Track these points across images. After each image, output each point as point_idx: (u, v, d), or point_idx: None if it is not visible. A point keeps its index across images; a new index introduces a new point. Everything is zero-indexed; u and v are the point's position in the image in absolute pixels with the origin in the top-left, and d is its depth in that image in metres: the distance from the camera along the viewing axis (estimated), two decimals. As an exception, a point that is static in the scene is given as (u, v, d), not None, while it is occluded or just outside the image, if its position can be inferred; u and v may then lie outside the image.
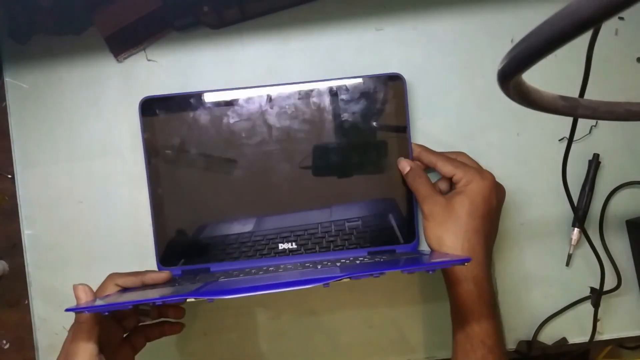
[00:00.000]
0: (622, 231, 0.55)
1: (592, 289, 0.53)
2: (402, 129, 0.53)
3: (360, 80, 0.52)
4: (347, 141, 0.53)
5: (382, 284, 0.54)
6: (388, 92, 0.53)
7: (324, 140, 0.53)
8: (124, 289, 0.46)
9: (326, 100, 0.53)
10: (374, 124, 0.53)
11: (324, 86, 0.52)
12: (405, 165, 0.51)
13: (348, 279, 0.42)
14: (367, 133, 0.53)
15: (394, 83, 0.53)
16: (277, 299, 0.54)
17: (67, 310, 0.38)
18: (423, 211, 0.49)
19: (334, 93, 0.52)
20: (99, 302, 0.40)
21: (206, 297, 0.37)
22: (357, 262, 0.47)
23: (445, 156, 0.50)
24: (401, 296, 0.54)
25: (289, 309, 0.54)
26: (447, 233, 0.46)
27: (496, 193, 0.48)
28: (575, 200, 0.53)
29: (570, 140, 0.49)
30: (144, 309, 0.44)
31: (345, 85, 0.52)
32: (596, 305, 0.53)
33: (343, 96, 0.52)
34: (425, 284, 0.55)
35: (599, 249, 0.53)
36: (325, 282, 0.36)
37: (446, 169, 0.49)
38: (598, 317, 0.53)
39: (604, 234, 0.54)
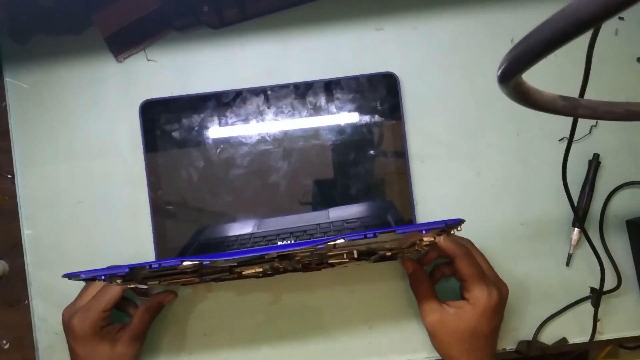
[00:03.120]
0: (622, 231, 0.55)
1: (592, 289, 0.53)
2: (397, 124, 0.53)
3: (353, 79, 0.53)
4: (343, 140, 0.53)
5: (383, 285, 0.54)
6: (382, 90, 0.53)
7: (321, 139, 0.53)
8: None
9: (321, 99, 0.53)
10: (370, 122, 0.53)
11: (318, 85, 0.53)
12: (408, 267, 0.51)
13: (349, 262, 0.42)
14: (363, 132, 0.53)
15: (388, 81, 0.54)
16: (277, 299, 0.54)
17: (64, 275, 0.39)
18: (425, 324, 0.49)
19: (329, 92, 0.53)
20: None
21: (201, 259, 0.37)
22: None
23: (465, 256, 0.48)
24: (401, 297, 0.54)
25: (289, 310, 0.54)
26: (453, 351, 0.47)
27: (500, 308, 0.48)
28: (575, 200, 0.53)
29: (570, 140, 0.49)
30: (141, 289, 0.44)
31: (340, 84, 0.53)
32: (596, 305, 0.53)
33: (338, 95, 0.53)
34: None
35: (599, 249, 0.53)
36: (319, 243, 0.36)
37: (464, 271, 0.47)
38: (598, 317, 0.53)
39: (604, 234, 0.54)
